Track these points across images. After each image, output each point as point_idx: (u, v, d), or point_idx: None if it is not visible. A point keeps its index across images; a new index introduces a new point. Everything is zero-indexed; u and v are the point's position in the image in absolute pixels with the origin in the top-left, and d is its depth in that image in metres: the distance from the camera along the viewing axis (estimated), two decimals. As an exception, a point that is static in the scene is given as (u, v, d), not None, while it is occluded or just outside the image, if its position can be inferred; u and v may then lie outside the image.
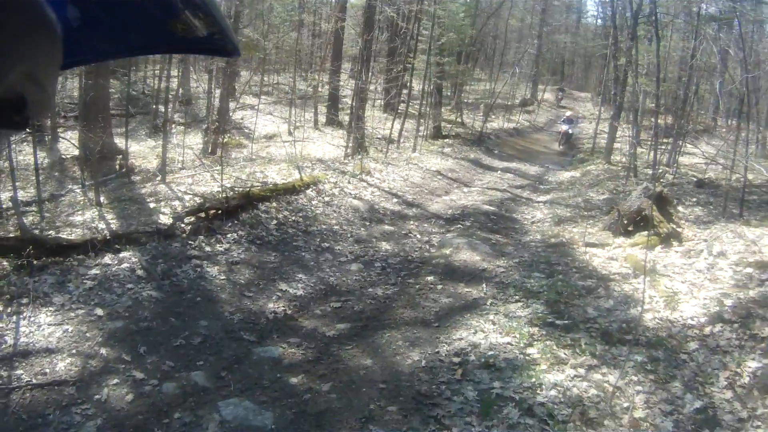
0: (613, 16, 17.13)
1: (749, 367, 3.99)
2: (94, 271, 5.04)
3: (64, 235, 5.64)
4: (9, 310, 4.28)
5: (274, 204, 7.68)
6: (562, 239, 7.89)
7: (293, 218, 7.58)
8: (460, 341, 4.58)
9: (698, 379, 3.97)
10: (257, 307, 5.17)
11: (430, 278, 6.14)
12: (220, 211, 6.74)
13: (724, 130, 18.30)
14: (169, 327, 4.52)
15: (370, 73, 16.05)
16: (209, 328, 4.60)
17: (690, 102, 14.66)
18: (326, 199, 8.73)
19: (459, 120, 22.33)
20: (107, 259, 5.30)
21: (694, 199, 9.69)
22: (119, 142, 10.56)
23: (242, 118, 15.79)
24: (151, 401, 3.54)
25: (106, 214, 6.50)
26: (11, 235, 5.40)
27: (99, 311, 4.50)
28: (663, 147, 13.46)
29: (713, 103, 20.63)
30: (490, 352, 4.34)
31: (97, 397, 3.51)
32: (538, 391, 3.82)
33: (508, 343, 4.51)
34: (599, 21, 41.73)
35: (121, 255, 5.42)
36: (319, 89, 17.62)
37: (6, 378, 3.56)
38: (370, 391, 3.85)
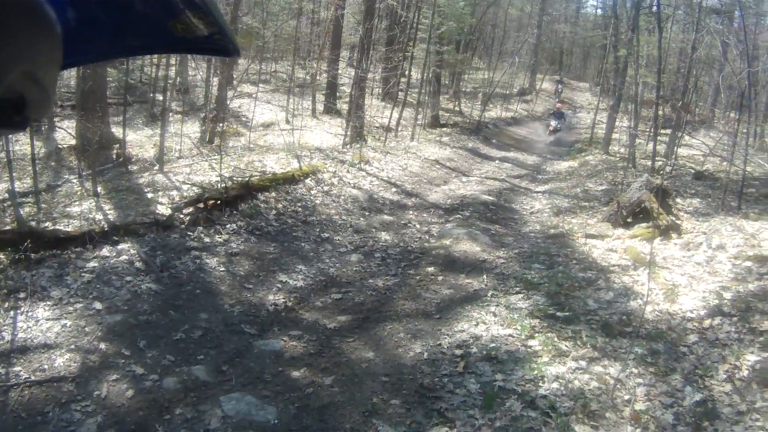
0: (613, 6, 17.05)
1: (748, 360, 4.00)
2: (92, 264, 5.00)
3: (61, 227, 5.59)
4: (6, 304, 4.23)
5: (273, 194, 7.64)
6: (562, 230, 7.89)
7: (292, 208, 7.55)
8: (462, 333, 4.58)
9: (698, 372, 3.98)
10: (257, 299, 5.16)
11: (430, 269, 6.13)
12: (218, 202, 6.70)
13: (722, 122, 18.29)
14: (168, 320, 4.49)
15: (369, 62, 15.95)
16: (209, 321, 4.58)
17: (689, 94, 14.62)
18: (325, 188, 8.69)
19: (457, 109, 22.26)
20: (105, 251, 5.26)
21: (693, 191, 9.68)
22: (116, 131, 10.49)
23: (240, 107, 15.69)
24: (152, 397, 3.51)
25: (103, 205, 6.45)
26: (8, 227, 5.35)
27: (98, 305, 4.46)
28: (660, 138, 13.43)
29: (712, 95, 20.58)
30: (492, 345, 4.34)
31: (96, 393, 3.47)
32: (540, 384, 3.82)
33: (510, 335, 4.51)
34: (599, 11, 41.67)
35: (120, 247, 5.38)
36: (318, 77, 17.51)
37: (4, 375, 3.52)
38: (372, 385, 3.84)
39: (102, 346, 3.99)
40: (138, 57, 15.77)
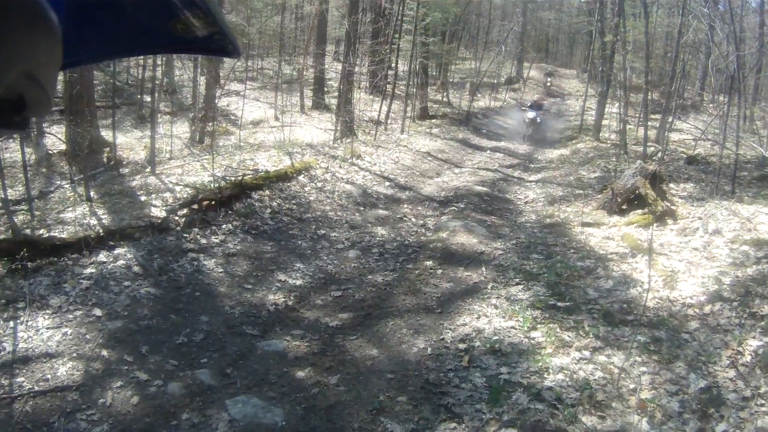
0: (599, -9, 17.05)
1: (750, 345, 4.02)
2: (89, 270, 4.94)
3: (56, 234, 5.52)
4: (5, 315, 4.16)
5: (267, 192, 7.59)
6: (557, 219, 7.91)
7: (287, 206, 7.51)
8: (465, 327, 4.58)
9: (701, 359, 4.00)
10: (257, 300, 5.13)
11: (428, 263, 6.12)
12: (213, 202, 6.64)
13: (711, 106, 18.37)
14: (169, 324, 4.45)
15: (356, 56, 15.87)
16: (211, 324, 4.55)
17: (677, 78, 14.68)
18: (318, 185, 8.65)
19: (445, 100, 22.25)
20: (102, 256, 5.19)
21: (686, 176, 9.74)
22: (106, 134, 10.36)
23: (228, 105, 15.57)
24: (158, 403, 3.48)
25: (97, 210, 6.37)
26: (2, 237, 5.27)
27: (97, 311, 4.41)
28: (650, 124, 13.49)
29: (700, 78, 20.67)
30: (495, 337, 4.34)
31: (101, 401, 3.43)
32: (545, 376, 3.83)
33: (512, 327, 4.51)
34: (583, -4, 41.58)
35: (116, 252, 5.32)
36: (305, 73, 17.41)
37: (7, 386, 3.46)
38: (378, 382, 3.83)
39: (104, 353, 3.94)
40: (124, 58, 15.62)
